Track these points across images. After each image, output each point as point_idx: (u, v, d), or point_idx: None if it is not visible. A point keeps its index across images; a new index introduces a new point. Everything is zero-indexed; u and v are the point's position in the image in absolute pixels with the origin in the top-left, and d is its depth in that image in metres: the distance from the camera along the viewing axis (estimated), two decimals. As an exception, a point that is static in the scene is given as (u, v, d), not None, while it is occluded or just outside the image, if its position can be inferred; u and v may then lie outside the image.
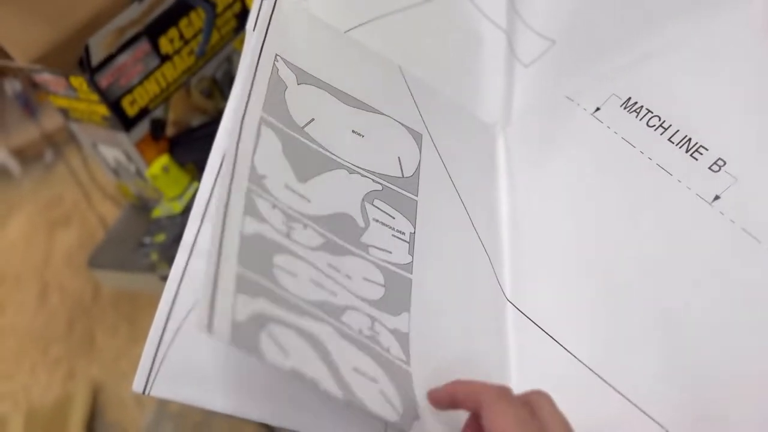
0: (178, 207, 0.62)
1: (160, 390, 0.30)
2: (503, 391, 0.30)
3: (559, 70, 0.48)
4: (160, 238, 0.61)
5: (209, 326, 0.25)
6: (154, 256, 0.60)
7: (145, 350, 0.30)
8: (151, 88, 0.62)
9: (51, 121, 1.74)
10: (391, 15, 0.48)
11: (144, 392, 0.28)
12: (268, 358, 0.26)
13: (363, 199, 0.37)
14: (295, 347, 0.28)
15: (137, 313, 1.45)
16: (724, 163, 0.36)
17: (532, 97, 0.49)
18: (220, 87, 0.70)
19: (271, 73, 0.37)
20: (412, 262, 0.37)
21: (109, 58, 0.57)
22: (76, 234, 1.66)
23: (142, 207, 0.73)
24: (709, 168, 0.36)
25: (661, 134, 0.39)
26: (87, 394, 1.32)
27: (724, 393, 0.31)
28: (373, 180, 0.38)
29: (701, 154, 0.37)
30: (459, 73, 0.50)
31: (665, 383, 0.33)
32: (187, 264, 0.34)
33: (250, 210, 0.31)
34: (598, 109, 0.43)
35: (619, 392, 0.34)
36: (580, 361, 0.36)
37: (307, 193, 0.34)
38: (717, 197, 0.35)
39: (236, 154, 0.32)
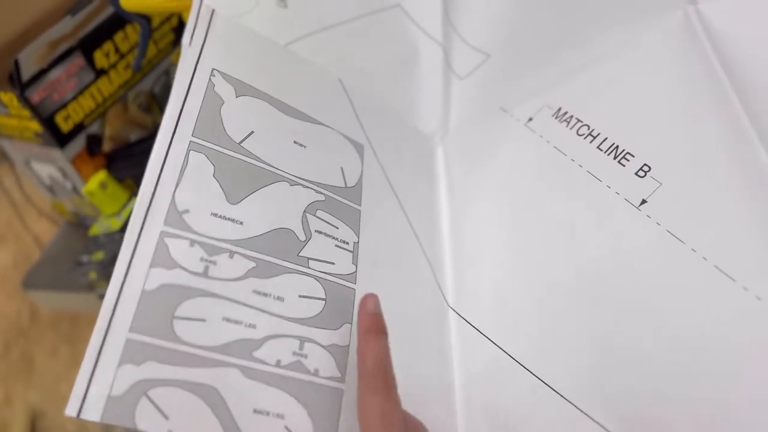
0: (116, 224, 0.61)
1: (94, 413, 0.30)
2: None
3: (493, 82, 0.49)
4: (99, 256, 0.59)
5: (79, 410, 0.26)
6: (93, 275, 0.58)
7: (81, 371, 0.29)
8: (86, 103, 0.61)
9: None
10: (330, 29, 0.48)
11: (78, 415, 0.28)
12: (142, 426, 0.27)
13: (305, 211, 0.37)
14: (179, 406, 0.28)
15: (79, 334, 1.40)
16: (650, 169, 0.38)
17: (468, 109, 0.50)
18: (159, 101, 0.69)
19: (206, 89, 0.37)
20: (356, 271, 0.37)
21: (41, 73, 0.56)
22: (11, 254, 1.59)
23: (79, 225, 0.71)
24: (636, 173, 0.38)
25: (591, 142, 0.40)
26: (25, 421, 1.27)
27: (659, 392, 0.33)
28: (315, 191, 0.38)
29: (628, 160, 0.39)
30: (398, 85, 0.51)
31: (602, 385, 0.34)
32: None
33: (159, 259, 0.30)
34: (530, 119, 0.44)
35: (558, 393, 0.35)
36: (520, 364, 0.37)
37: (240, 215, 0.34)
38: (644, 201, 0.37)
39: (153, 196, 0.32)
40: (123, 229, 0.60)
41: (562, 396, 0.35)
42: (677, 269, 0.34)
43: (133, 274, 0.30)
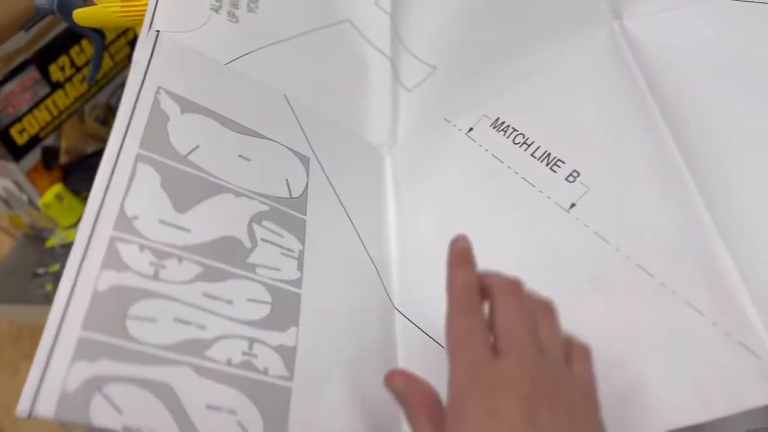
0: (73, 235, 0.61)
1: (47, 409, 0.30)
2: (516, 286, 0.31)
3: (438, 93, 0.52)
4: (55, 267, 0.60)
5: (31, 408, 0.26)
6: (49, 286, 0.59)
7: (32, 370, 0.29)
8: (42, 116, 0.62)
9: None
10: (278, 44, 0.50)
11: (30, 413, 0.28)
12: (96, 421, 0.27)
13: (251, 221, 0.38)
14: (133, 402, 0.29)
15: (39, 350, 1.38)
16: (579, 175, 0.40)
17: (415, 120, 0.52)
18: (115, 114, 0.70)
19: (152, 106, 0.38)
20: (302, 277, 0.39)
21: (-5, 87, 0.57)
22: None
23: (35, 237, 0.72)
24: (566, 179, 0.40)
25: (525, 150, 0.43)
26: (-16, 439, 1.25)
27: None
28: (260, 201, 0.40)
29: (559, 167, 0.41)
30: (346, 98, 0.52)
31: None
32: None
33: (109, 262, 0.31)
34: (471, 129, 0.47)
35: None
36: None
37: (187, 223, 0.35)
38: (573, 205, 0.39)
39: (102, 203, 0.33)
40: (79, 240, 0.61)
41: None
42: (603, 267, 0.37)
43: (85, 275, 0.31)
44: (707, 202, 0.35)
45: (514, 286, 0.32)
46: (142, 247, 0.33)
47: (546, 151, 0.42)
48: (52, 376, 0.28)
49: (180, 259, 0.34)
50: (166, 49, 0.41)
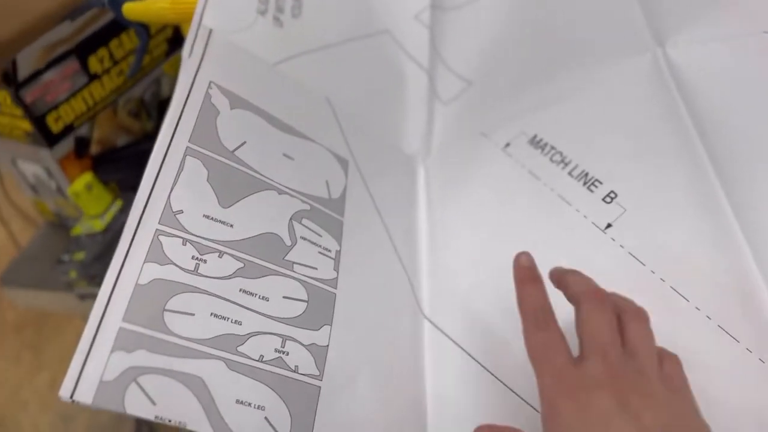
0: (99, 225, 0.62)
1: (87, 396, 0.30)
2: (601, 293, 0.32)
3: (474, 108, 0.52)
4: (80, 256, 0.60)
5: (72, 393, 0.27)
6: (73, 274, 0.59)
7: (75, 356, 0.30)
8: (78, 105, 0.62)
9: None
10: (321, 50, 0.51)
11: (71, 397, 0.29)
12: (130, 410, 0.28)
13: (291, 218, 0.39)
14: (166, 393, 0.29)
15: (42, 341, 1.38)
16: (616, 196, 0.41)
17: (450, 132, 0.53)
18: (148, 108, 0.71)
19: (203, 100, 0.39)
20: (337, 277, 0.39)
21: (36, 74, 0.57)
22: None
23: (60, 225, 0.72)
24: (603, 200, 0.41)
25: (563, 169, 0.43)
26: (-18, 427, 1.25)
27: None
28: (301, 200, 0.40)
29: (596, 187, 0.41)
30: (383, 107, 0.53)
31: None
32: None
33: (153, 255, 0.32)
34: (508, 144, 0.47)
35: (527, 402, 0.37)
36: (491, 374, 0.39)
37: (230, 218, 0.36)
38: (609, 225, 0.40)
39: (150, 195, 0.34)
40: (106, 230, 0.61)
41: (531, 406, 0.37)
42: (637, 288, 0.37)
43: (128, 268, 0.31)
44: (744, 229, 0.36)
45: (597, 292, 0.32)
46: (185, 242, 0.34)
47: (584, 171, 0.43)
48: (93, 364, 0.28)
49: (221, 254, 0.34)
50: (218, 46, 0.42)
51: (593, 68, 0.47)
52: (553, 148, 0.45)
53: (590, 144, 0.44)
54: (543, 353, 0.31)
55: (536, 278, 0.33)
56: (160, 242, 0.33)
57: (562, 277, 0.34)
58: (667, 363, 0.31)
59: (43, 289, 0.64)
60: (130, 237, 0.32)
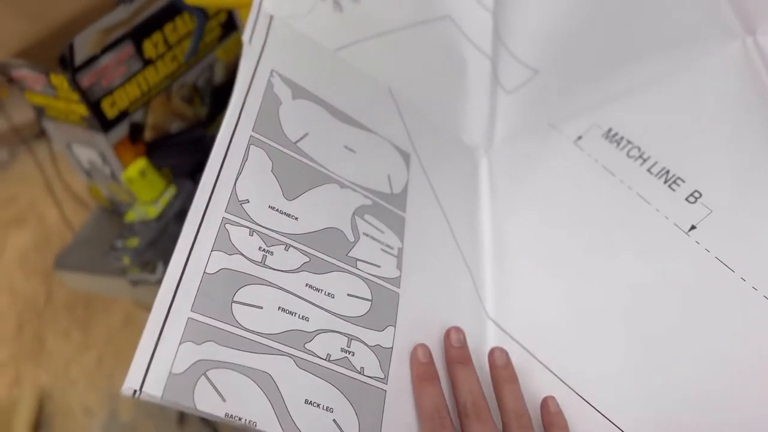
0: (153, 211, 0.61)
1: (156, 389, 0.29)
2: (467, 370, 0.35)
3: (541, 98, 0.50)
4: (133, 242, 0.60)
5: (140, 387, 0.26)
6: (126, 260, 0.59)
7: (140, 347, 0.28)
8: (132, 91, 0.62)
9: (4, 122, 1.68)
10: (381, 36, 0.49)
11: (140, 390, 0.27)
12: (200, 406, 0.27)
13: (354, 214, 0.37)
14: (236, 389, 0.28)
15: (91, 319, 1.41)
16: (701, 195, 0.38)
17: (514, 123, 0.50)
18: (201, 94, 0.70)
19: (266, 88, 0.37)
20: (400, 276, 0.38)
21: (92, 59, 0.57)
22: (31, 235, 1.60)
23: (112, 210, 0.72)
24: (686, 199, 0.38)
25: (641, 165, 0.41)
26: (33, 402, 1.28)
27: (696, 414, 0.33)
28: (364, 195, 0.39)
29: (678, 185, 0.39)
30: (444, 96, 0.51)
31: (642, 406, 0.34)
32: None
33: (221, 244, 0.31)
34: (579, 137, 0.45)
35: (598, 411, 0.35)
36: (558, 377, 0.37)
37: (295, 210, 0.35)
38: (693, 227, 0.37)
39: (215, 183, 0.32)
40: (159, 217, 0.61)
41: (596, 409, 0.35)
42: (725, 296, 0.34)
43: (196, 256, 0.30)
44: None
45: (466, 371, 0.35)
46: (251, 232, 0.32)
47: (664, 168, 0.40)
48: (162, 356, 0.27)
49: (287, 247, 0.33)
50: (279, 33, 0.40)
51: (670, 57, 0.44)
52: (629, 142, 0.42)
53: (671, 139, 0.41)
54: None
55: (432, 376, 0.34)
56: (227, 231, 0.32)
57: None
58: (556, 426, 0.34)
59: (95, 274, 0.64)
60: (197, 224, 0.31)
